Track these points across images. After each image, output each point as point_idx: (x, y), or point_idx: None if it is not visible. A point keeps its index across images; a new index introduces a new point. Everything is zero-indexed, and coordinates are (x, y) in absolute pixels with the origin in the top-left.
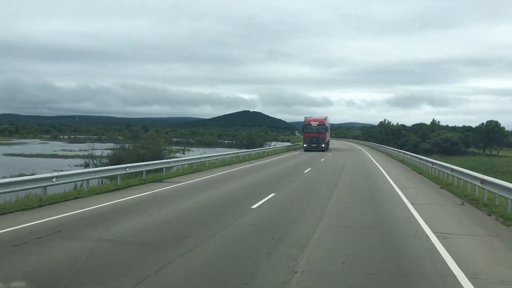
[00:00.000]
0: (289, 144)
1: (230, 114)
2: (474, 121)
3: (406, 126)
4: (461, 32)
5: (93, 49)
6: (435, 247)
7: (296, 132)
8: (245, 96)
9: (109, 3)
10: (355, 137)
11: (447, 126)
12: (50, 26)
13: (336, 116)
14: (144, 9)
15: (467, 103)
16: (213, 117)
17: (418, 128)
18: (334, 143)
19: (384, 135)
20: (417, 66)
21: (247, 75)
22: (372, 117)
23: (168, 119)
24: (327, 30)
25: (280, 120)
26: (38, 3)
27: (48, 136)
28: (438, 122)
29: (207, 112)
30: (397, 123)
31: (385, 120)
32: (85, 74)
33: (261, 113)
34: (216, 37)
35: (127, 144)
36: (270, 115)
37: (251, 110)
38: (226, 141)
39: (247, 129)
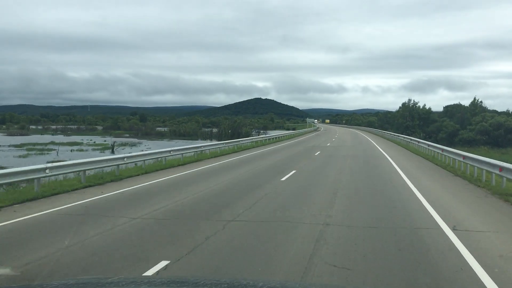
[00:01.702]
0: (283, 133)
1: (242, 102)
2: (494, 106)
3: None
4: (479, 14)
5: (103, 38)
6: None
7: (308, 119)
8: (259, 84)
9: None
10: (370, 124)
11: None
12: (60, 15)
13: (352, 103)
14: None
15: (485, 87)
16: (225, 105)
17: (454, 111)
18: (331, 132)
19: (409, 121)
20: (434, 50)
21: (260, 62)
22: (388, 103)
23: (182, 108)
24: (339, 14)
25: (293, 107)
26: None
27: (16, 126)
28: (480, 102)
29: (221, 100)
30: (424, 105)
31: (409, 101)
32: (97, 63)
33: (273, 100)
34: (226, 23)
35: None
36: (283, 103)
37: (264, 97)
38: (214, 130)
39: (257, 117)
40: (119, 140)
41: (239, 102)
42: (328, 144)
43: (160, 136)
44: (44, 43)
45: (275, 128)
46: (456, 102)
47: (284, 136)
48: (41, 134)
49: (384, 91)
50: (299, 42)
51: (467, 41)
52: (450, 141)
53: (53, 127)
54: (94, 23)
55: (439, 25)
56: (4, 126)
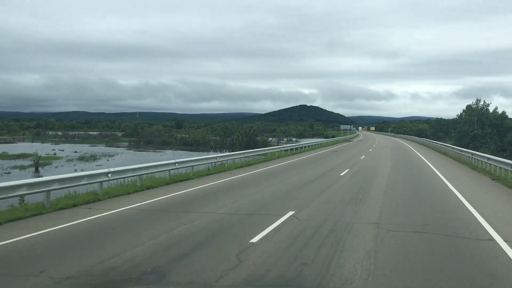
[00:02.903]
0: (308, 142)
1: (286, 109)
2: None
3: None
4: None
5: (150, 46)
6: None
7: (342, 126)
8: (305, 91)
9: None
10: (420, 133)
11: None
12: (109, 25)
13: (400, 110)
14: (194, 3)
15: None
16: (269, 112)
17: None
18: (367, 143)
19: (478, 129)
20: (487, 55)
21: (305, 68)
22: (439, 111)
23: (227, 115)
24: (386, 18)
25: (338, 114)
26: (91, 1)
27: (27, 133)
28: None
29: (267, 107)
30: (495, 108)
31: (477, 101)
32: (145, 71)
33: (318, 107)
34: (270, 30)
35: None
36: (328, 109)
37: (309, 104)
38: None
39: (300, 124)
40: (96, 150)
41: (283, 109)
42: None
43: (165, 145)
44: (95, 51)
45: (313, 136)
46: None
47: (296, 149)
48: (32, 142)
49: (434, 98)
50: (345, 48)
51: None
52: None
53: (72, 133)
54: (141, 32)
55: (491, 29)
56: (21, 132)
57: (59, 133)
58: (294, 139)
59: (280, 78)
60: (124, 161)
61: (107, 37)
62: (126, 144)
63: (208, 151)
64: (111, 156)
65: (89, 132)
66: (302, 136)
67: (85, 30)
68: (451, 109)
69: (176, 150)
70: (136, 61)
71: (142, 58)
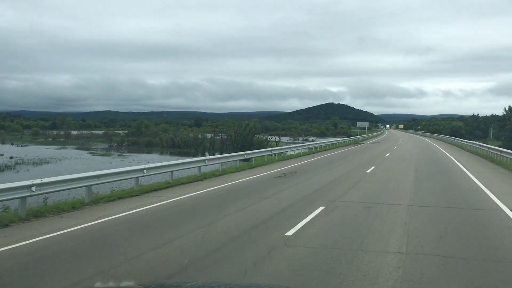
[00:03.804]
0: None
1: (313, 107)
2: None
3: None
4: None
5: (178, 45)
6: None
7: (359, 123)
8: (333, 89)
9: None
10: (454, 132)
11: None
12: (137, 25)
13: (431, 107)
14: (222, 2)
15: None
16: (295, 110)
17: None
18: (389, 143)
19: None
20: None
21: (334, 66)
22: (472, 108)
23: (255, 113)
24: (418, 14)
25: (366, 112)
26: (119, 1)
27: (29, 132)
28: None
29: (295, 105)
30: None
31: None
32: (173, 70)
33: (346, 105)
34: (299, 28)
35: None
36: (356, 108)
37: (337, 102)
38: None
39: (327, 122)
40: (50, 153)
41: (310, 107)
42: None
43: (150, 146)
44: (125, 52)
45: (335, 135)
46: None
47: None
48: (2, 143)
49: (467, 95)
50: (375, 45)
51: None
52: None
53: (75, 133)
54: (169, 31)
55: None
56: (22, 131)
57: (62, 132)
58: (311, 139)
59: (308, 76)
60: (36, 174)
61: (137, 37)
62: (106, 146)
63: (196, 154)
64: (46, 163)
65: (93, 132)
66: (323, 135)
67: (116, 31)
68: (484, 107)
69: (149, 153)
70: (164, 61)
71: (170, 57)
